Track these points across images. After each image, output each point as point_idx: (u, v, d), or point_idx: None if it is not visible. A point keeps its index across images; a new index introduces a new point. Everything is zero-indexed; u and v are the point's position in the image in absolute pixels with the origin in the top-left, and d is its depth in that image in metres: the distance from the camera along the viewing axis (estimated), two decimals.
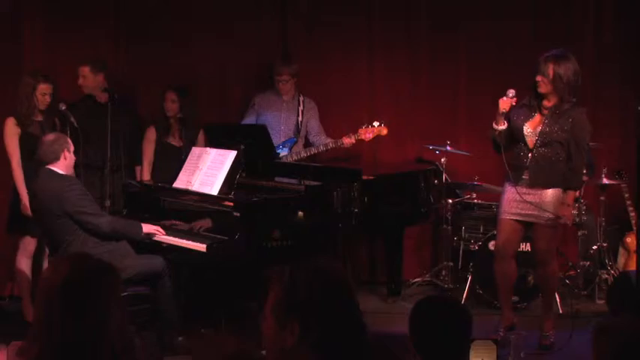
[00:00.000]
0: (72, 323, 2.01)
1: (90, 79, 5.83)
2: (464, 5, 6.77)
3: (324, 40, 6.74)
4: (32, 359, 2.04)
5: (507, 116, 4.97)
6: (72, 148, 4.91)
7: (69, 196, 4.73)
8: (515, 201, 4.99)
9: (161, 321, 4.95)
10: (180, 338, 4.94)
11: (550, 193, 4.93)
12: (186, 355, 4.90)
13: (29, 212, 5.40)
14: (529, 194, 4.95)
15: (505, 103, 4.91)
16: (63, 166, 4.84)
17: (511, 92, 4.92)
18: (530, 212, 4.97)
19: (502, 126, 4.96)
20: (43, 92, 5.50)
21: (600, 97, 6.69)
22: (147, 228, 4.94)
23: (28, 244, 5.59)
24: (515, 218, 5.02)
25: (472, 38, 6.77)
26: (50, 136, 4.95)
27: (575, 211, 5.52)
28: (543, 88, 4.88)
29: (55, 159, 4.82)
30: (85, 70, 5.82)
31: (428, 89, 6.82)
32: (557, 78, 4.81)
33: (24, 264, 5.57)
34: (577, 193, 5.14)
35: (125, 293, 4.70)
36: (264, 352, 2.36)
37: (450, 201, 6.30)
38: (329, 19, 6.69)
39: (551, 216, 4.94)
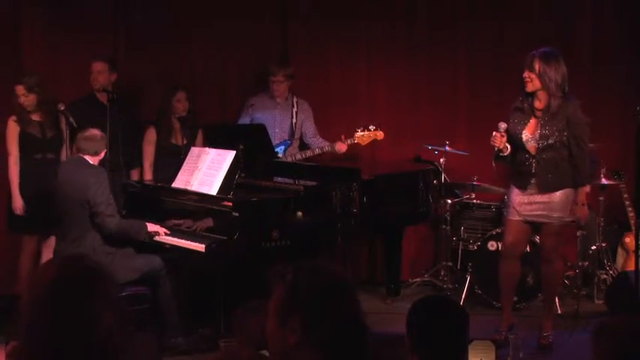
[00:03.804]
0: (58, 325, 2.01)
1: (106, 76, 5.83)
2: (463, 5, 6.78)
3: (323, 41, 6.74)
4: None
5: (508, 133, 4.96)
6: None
7: (97, 187, 4.85)
8: (524, 203, 4.98)
9: (161, 321, 4.95)
10: (179, 338, 4.95)
11: (559, 194, 4.92)
12: (186, 355, 4.90)
13: (20, 212, 5.44)
14: (538, 196, 4.94)
15: (498, 140, 4.89)
16: (96, 161, 5.04)
17: (502, 126, 4.90)
18: (539, 213, 4.97)
19: (507, 152, 4.95)
20: (17, 94, 5.54)
21: (599, 97, 6.69)
22: (151, 227, 4.98)
23: (29, 242, 5.61)
24: (523, 219, 5.01)
25: (472, 38, 6.78)
26: (97, 132, 5.09)
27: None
28: (530, 86, 4.87)
29: (95, 153, 5.02)
30: (104, 67, 5.83)
31: (427, 89, 6.82)
32: (544, 74, 4.80)
33: (25, 263, 5.60)
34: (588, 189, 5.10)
35: (125, 293, 4.71)
36: (265, 352, 2.37)
37: (449, 201, 6.30)
38: (329, 20, 6.70)
39: (560, 215, 4.94)
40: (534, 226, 5.11)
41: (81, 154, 5.00)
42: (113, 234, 4.90)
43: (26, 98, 5.54)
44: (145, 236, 4.95)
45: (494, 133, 4.91)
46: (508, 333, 4.87)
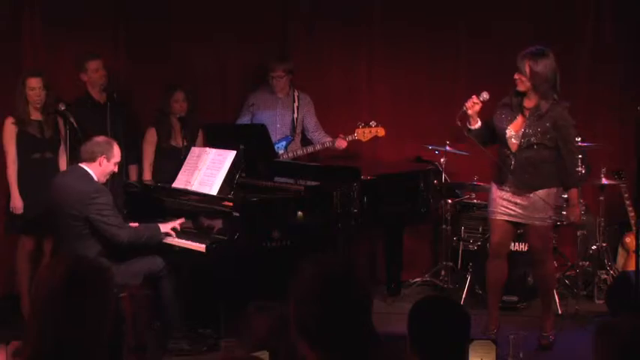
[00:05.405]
0: (71, 323, 2.01)
1: (103, 72, 5.83)
2: (464, 5, 6.78)
3: (324, 40, 6.74)
4: (27, 359, 2.04)
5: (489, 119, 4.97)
6: (115, 159, 4.89)
7: (95, 202, 4.72)
8: (503, 200, 4.99)
9: (161, 321, 4.95)
10: (180, 338, 4.95)
11: (538, 194, 4.91)
12: (187, 355, 4.90)
13: (19, 211, 5.44)
14: (518, 197, 4.94)
15: (470, 103, 4.90)
16: (97, 170, 4.85)
17: (484, 95, 4.90)
18: (519, 212, 4.96)
19: (475, 125, 4.96)
20: (32, 87, 5.48)
21: (600, 97, 6.69)
22: (164, 227, 4.94)
23: (26, 242, 5.60)
24: (505, 219, 5.02)
25: (472, 38, 6.78)
26: (99, 138, 4.97)
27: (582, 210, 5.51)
28: (521, 86, 4.87)
29: (90, 160, 4.83)
30: (100, 64, 5.84)
31: (427, 89, 6.82)
32: (534, 75, 4.79)
33: (22, 263, 5.58)
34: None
35: (124, 294, 4.71)
36: (265, 352, 2.37)
37: (450, 201, 6.30)
38: (329, 19, 6.70)
39: (541, 216, 4.93)
40: (517, 225, 5.09)
41: (80, 164, 4.87)
42: (126, 245, 4.78)
43: (40, 92, 5.49)
44: (160, 239, 4.89)
45: (472, 95, 4.91)
46: (507, 333, 4.87)
